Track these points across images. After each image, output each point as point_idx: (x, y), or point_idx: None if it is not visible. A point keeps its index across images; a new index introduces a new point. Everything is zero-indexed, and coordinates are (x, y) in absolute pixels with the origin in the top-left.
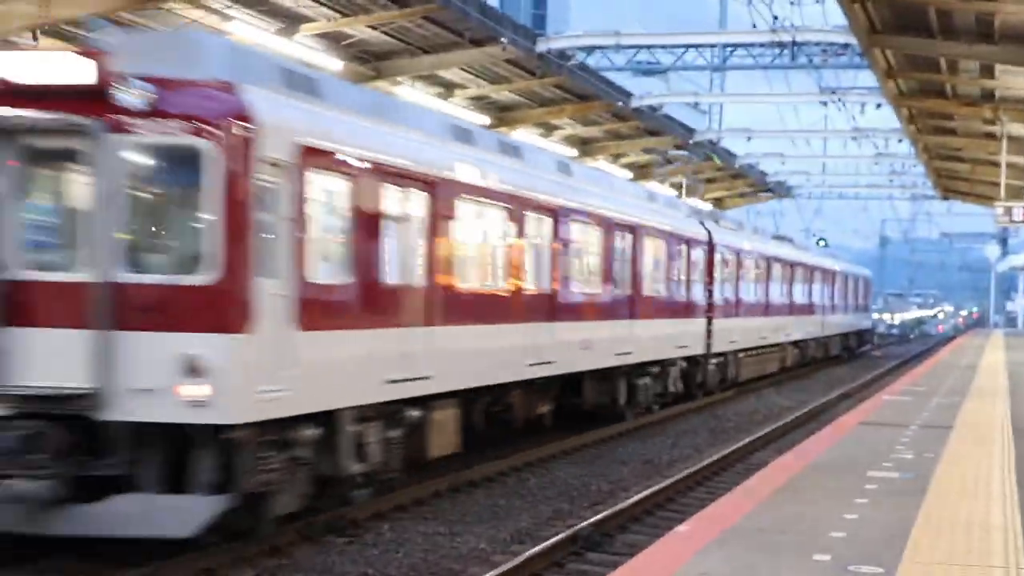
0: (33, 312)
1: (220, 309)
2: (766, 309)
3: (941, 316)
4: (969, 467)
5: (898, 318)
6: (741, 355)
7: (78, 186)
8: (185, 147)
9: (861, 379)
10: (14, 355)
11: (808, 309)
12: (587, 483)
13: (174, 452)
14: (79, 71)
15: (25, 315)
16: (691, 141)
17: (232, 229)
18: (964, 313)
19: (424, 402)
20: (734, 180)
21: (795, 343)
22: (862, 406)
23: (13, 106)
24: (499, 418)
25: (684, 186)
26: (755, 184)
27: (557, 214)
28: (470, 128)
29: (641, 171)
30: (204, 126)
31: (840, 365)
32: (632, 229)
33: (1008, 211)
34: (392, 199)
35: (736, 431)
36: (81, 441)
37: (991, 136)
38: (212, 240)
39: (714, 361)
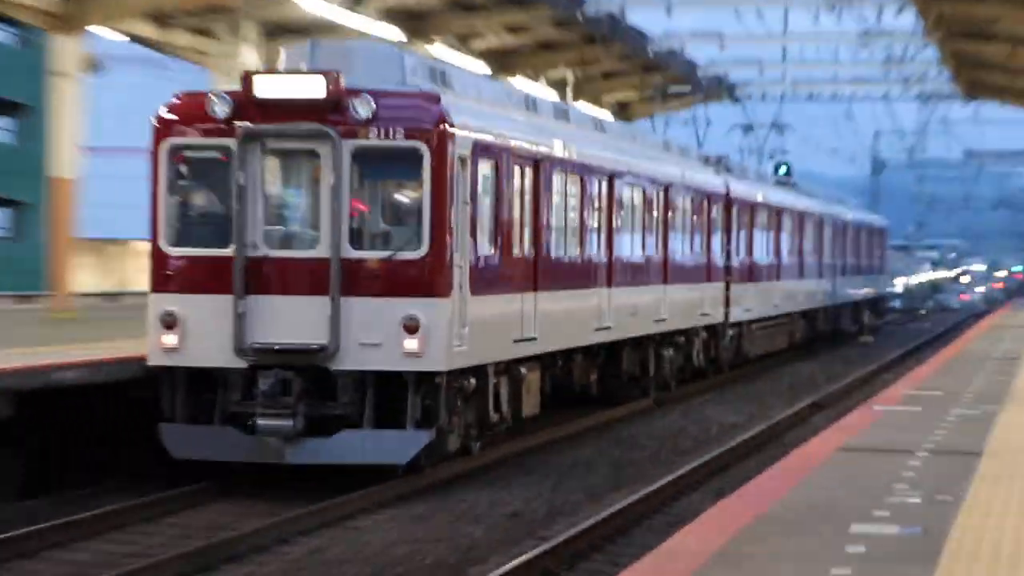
0: (278, 283)
1: (430, 278)
2: (778, 272)
3: (965, 280)
4: (1008, 518)
5: (901, 283)
6: (754, 327)
7: (315, 181)
8: (404, 148)
9: (842, 379)
10: (258, 318)
11: (818, 271)
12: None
13: (387, 395)
14: (315, 87)
15: (270, 285)
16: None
17: (437, 213)
18: (1001, 274)
19: (523, 363)
20: (646, 75)
21: (804, 313)
22: (843, 421)
23: (263, 116)
24: (561, 384)
25: (570, 84)
26: (680, 78)
27: (612, 177)
28: (565, 107)
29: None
30: (418, 131)
31: (811, 357)
32: (665, 188)
33: None
34: (552, 188)
35: (651, 464)
36: (316, 387)
37: None
38: (423, 222)
39: (731, 332)
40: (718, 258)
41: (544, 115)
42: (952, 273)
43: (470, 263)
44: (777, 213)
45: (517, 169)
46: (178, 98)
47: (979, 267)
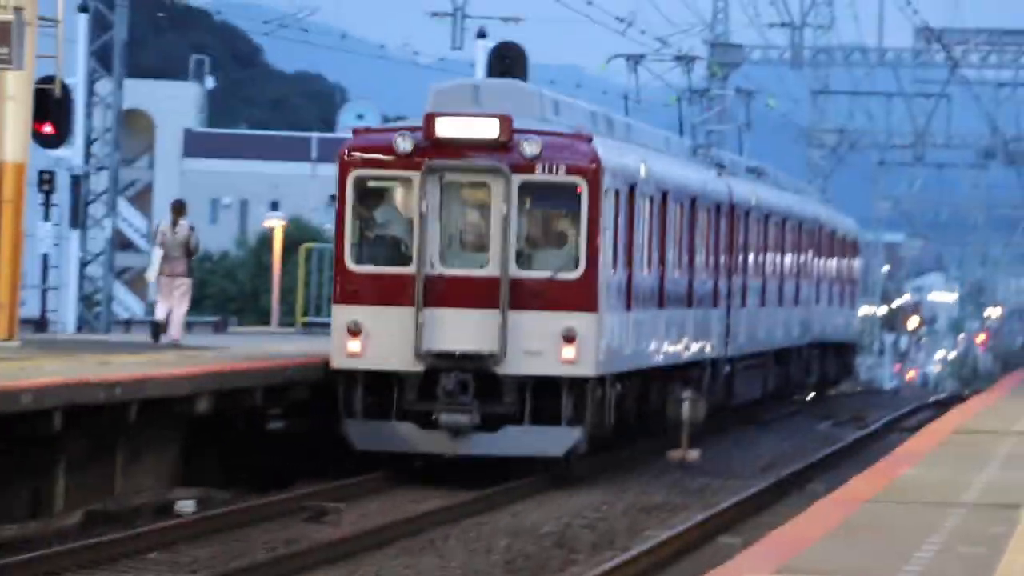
0: (453, 297)
1: (586, 296)
2: (763, 293)
3: (914, 327)
4: None
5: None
6: (741, 364)
7: (485, 209)
8: (565, 184)
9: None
10: (435, 328)
11: (795, 295)
12: None
13: (545, 397)
14: (490, 129)
15: (446, 299)
16: None
17: (591, 240)
18: (993, 312)
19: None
20: None
21: (777, 353)
22: None
23: (439, 152)
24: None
25: None
26: None
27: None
28: (695, 146)
29: None
30: (577, 169)
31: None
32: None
33: None
34: (666, 214)
35: None
36: (487, 388)
37: None
38: (580, 247)
39: (727, 368)
40: (723, 277)
41: (679, 155)
42: (880, 310)
43: (625, 283)
44: (764, 217)
45: (650, 201)
46: (361, 133)
47: (943, 295)
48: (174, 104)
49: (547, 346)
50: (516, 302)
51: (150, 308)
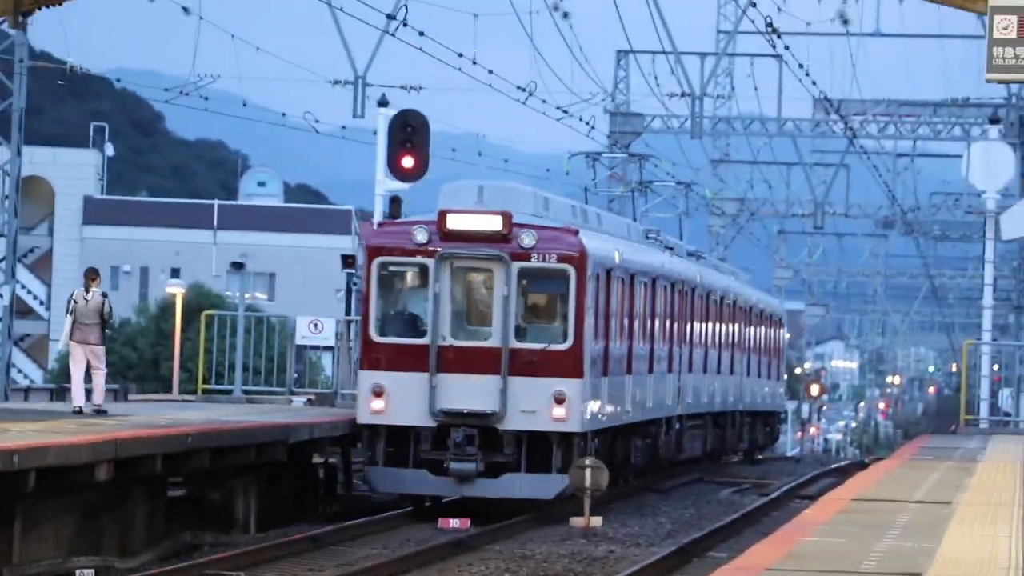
0: (461, 364)
1: (573, 364)
2: (705, 361)
3: (815, 394)
4: None
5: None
6: (688, 423)
7: (488, 290)
8: (557, 270)
9: None
10: (446, 390)
11: (730, 365)
12: None
13: (537, 449)
14: (494, 223)
15: (455, 366)
16: None
17: (579, 316)
18: (894, 380)
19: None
20: None
21: (715, 417)
22: None
23: (448, 241)
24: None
25: None
26: None
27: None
28: (655, 234)
29: None
30: (567, 257)
31: None
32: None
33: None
34: (633, 293)
35: None
36: (489, 441)
37: None
38: (568, 323)
39: (677, 426)
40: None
41: (636, 240)
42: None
43: (602, 353)
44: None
45: (621, 282)
46: (384, 225)
47: (844, 363)
48: (74, 171)
49: (541, 406)
50: (514, 369)
51: (51, 376)
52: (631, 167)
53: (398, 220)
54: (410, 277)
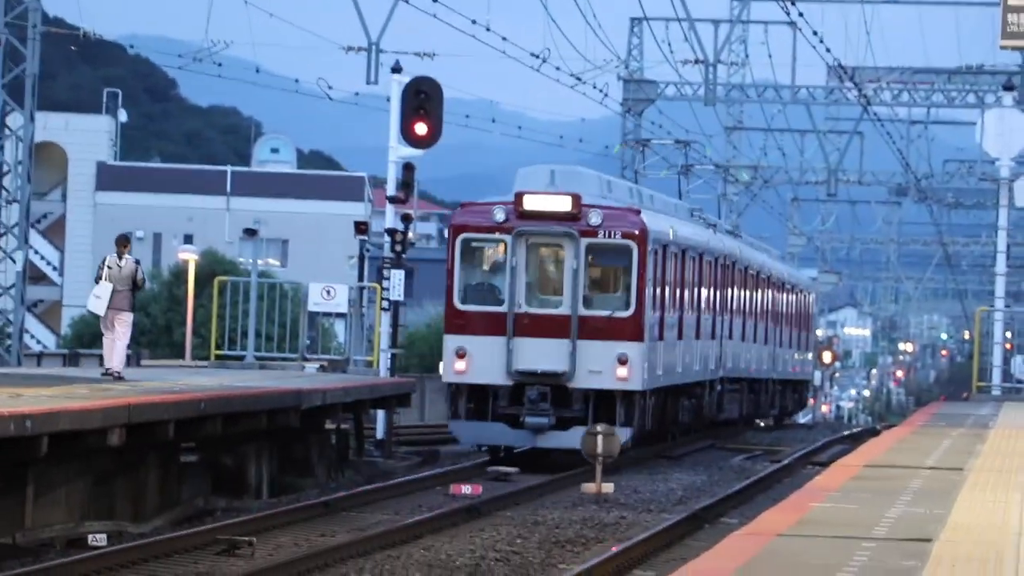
0: (535, 329)
1: (635, 329)
2: (743, 330)
3: (828, 361)
4: None
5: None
6: (728, 387)
7: (559, 263)
8: (621, 245)
9: None
10: (522, 352)
11: (765, 336)
12: None
13: (602, 405)
14: (565, 203)
15: (530, 331)
16: None
17: (640, 287)
18: (906, 348)
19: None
20: None
21: (751, 383)
22: None
23: (524, 220)
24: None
25: None
26: None
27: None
28: (713, 221)
29: None
30: (630, 234)
31: None
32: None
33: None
34: (684, 266)
35: None
36: (560, 398)
37: None
38: (631, 293)
39: (719, 388)
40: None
41: (683, 218)
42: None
43: (659, 320)
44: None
45: (674, 257)
46: (466, 206)
47: (857, 330)
48: (87, 137)
49: (606, 367)
50: (582, 334)
51: (63, 341)
52: (675, 152)
53: (479, 201)
54: (489, 252)
